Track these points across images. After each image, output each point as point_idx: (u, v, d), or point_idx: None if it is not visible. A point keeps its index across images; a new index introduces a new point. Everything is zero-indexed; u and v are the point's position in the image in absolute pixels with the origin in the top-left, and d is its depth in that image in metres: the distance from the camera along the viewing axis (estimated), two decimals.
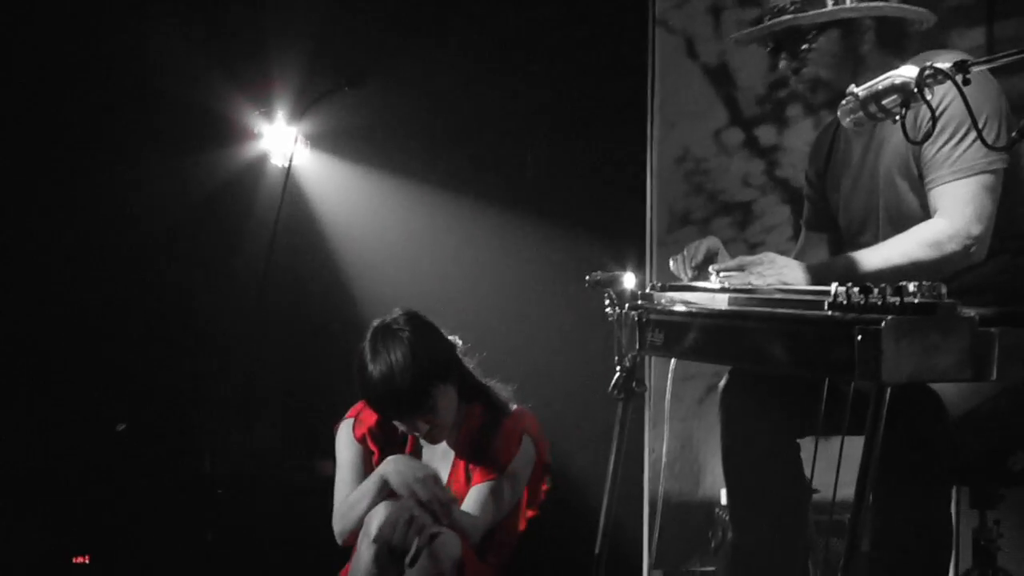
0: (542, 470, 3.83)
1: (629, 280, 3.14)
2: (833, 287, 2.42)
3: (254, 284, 5.31)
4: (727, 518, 4.30)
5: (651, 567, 4.72)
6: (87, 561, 5.10)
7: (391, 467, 3.60)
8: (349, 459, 3.78)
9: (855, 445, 2.41)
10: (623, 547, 4.87)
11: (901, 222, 3.13)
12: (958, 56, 2.68)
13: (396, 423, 3.71)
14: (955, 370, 2.32)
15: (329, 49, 5.47)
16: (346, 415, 3.85)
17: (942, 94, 2.87)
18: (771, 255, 3.05)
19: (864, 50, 3.16)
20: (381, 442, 3.79)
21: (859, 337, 2.29)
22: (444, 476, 3.74)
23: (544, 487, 3.86)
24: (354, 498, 3.65)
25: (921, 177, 3.10)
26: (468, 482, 3.72)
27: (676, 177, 4.84)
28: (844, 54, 3.16)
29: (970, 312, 2.33)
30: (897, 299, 2.29)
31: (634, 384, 3.21)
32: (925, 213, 3.10)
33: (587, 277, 3.21)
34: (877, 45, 3.17)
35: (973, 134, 2.96)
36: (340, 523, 3.68)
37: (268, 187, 5.56)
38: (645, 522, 4.83)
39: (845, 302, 2.38)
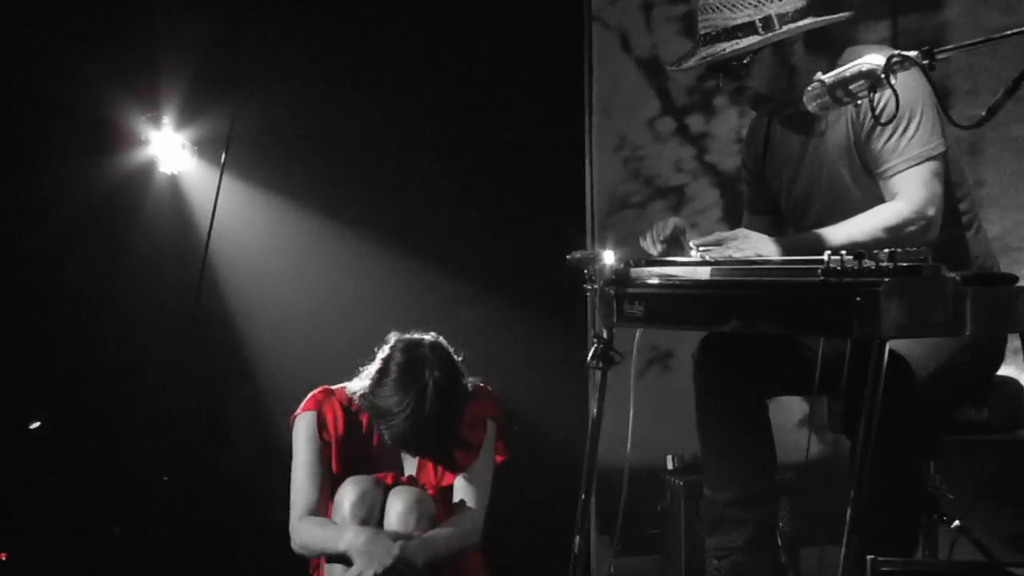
0: (503, 444, 3.91)
1: (608, 257, 3.31)
2: (825, 255, 2.63)
3: (145, 288, 5.35)
4: (676, 482, 4.52)
5: (598, 532, 4.92)
6: (4, 559, 5.08)
7: (360, 546, 3.52)
8: (308, 459, 3.71)
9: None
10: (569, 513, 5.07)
11: (841, 207, 3.37)
12: (880, 49, 2.93)
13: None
14: (940, 326, 2.58)
15: (218, 54, 5.45)
16: (303, 406, 3.77)
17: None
18: (745, 231, 3.26)
19: (795, 60, 3.39)
20: (345, 440, 3.76)
21: (858, 298, 2.50)
22: (413, 468, 3.79)
23: (499, 458, 3.90)
24: (317, 538, 3.60)
25: (864, 166, 3.34)
26: (436, 473, 3.77)
27: (615, 164, 5.05)
28: (778, 69, 3.38)
29: (951, 273, 2.57)
30: (890, 263, 2.51)
31: (611, 354, 3.40)
32: (865, 198, 3.33)
33: (567, 256, 3.39)
34: (806, 53, 3.40)
35: (916, 124, 3.24)
36: (300, 545, 3.66)
37: (155, 194, 5.54)
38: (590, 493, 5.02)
39: (839, 268, 2.60)
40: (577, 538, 3.42)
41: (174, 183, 5.54)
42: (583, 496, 3.44)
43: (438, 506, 3.66)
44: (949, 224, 3.34)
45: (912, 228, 3.20)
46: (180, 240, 5.52)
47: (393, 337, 3.72)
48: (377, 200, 5.38)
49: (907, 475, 3.08)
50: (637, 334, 3.48)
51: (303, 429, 3.72)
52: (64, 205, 5.31)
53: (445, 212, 5.27)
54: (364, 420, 3.77)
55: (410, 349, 3.64)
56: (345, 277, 5.39)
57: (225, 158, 5.30)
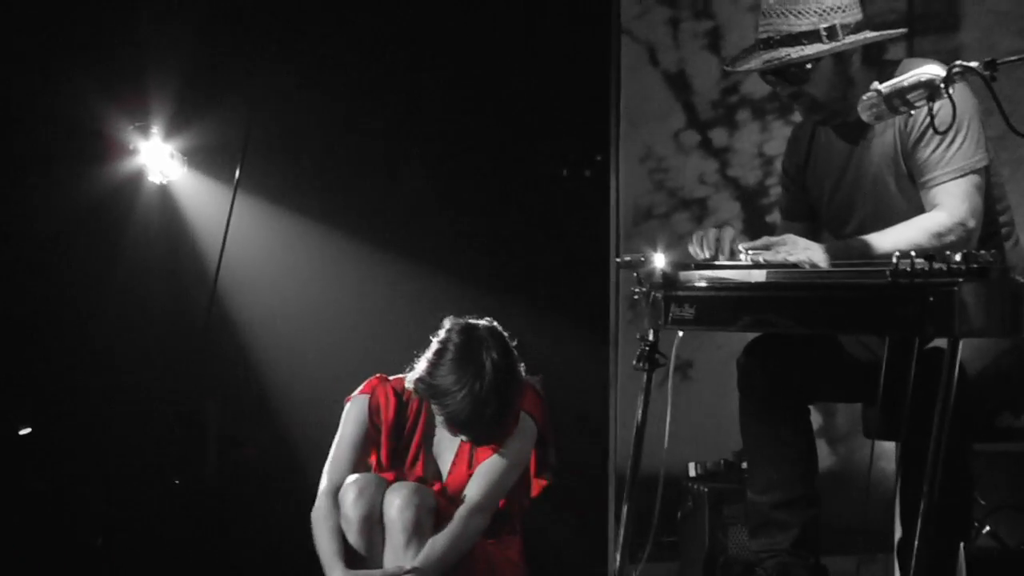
0: (547, 439, 3.85)
1: (659, 260, 3.32)
2: (894, 258, 2.66)
3: (132, 297, 5.31)
4: (701, 489, 4.53)
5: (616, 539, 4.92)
6: None
7: None
8: (351, 438, 3.72)
9: None
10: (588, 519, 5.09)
11: (885, 214, 3.40)
12: (936, 62, 2.95)
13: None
14: (1006, 326, 2.61)
15: (206, 62, 5.45)
16: (360, 390, 3.78)
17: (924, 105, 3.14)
18: (793, 236, 3.27)
19: (852, 71, 3.42)
20: (394, 428, 3.76)
21: (931, 298, 2.53)
22: (450, 458, 3.78)
23: (553, 455, 3.88)
24: (321, 542, 3.60)
25: (909, 175, 3.38)
26: (471, 464, 3.76)
27: (640, 175, 5.09)
28: (837, 78, 3.41)
29: (1018, 277, 2.61)
30: (963, 265, 2.54)
31: (656, 356, 3.41)
32: (908, 207, 3.37)
33: (617, 259, 3.40)
34: (862, 65, 3.43)
35: (961, 137, 3.28)
36: (312, 524, 3.66)
37: (144, 203, 5.52)
38: (611, 498, 5.04)
39: (909, 269, 2.62)
40: (621, 541, 3.41)
41: (163, 192, 5.51)
42: (626, 503, 3.42)
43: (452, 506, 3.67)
44: (988, 236, 3.38)
45: (952, 238, 3.23)
46: (171, 248, 5.51)
47: (449, 321, 3.72)
48: (395, 211, 5.39)
49: (957, 474, 3.09)
50: (676, 340, 3.48)
51: (355, 410, 3.74)
52: (53, 214, 5.27)
53: (470, 222, 5.27)
54: (412, 412, 3.77)
55: (467, 331, 3.65)
56: (355, 285, 5.39)
57: (240, 172, 5.26)
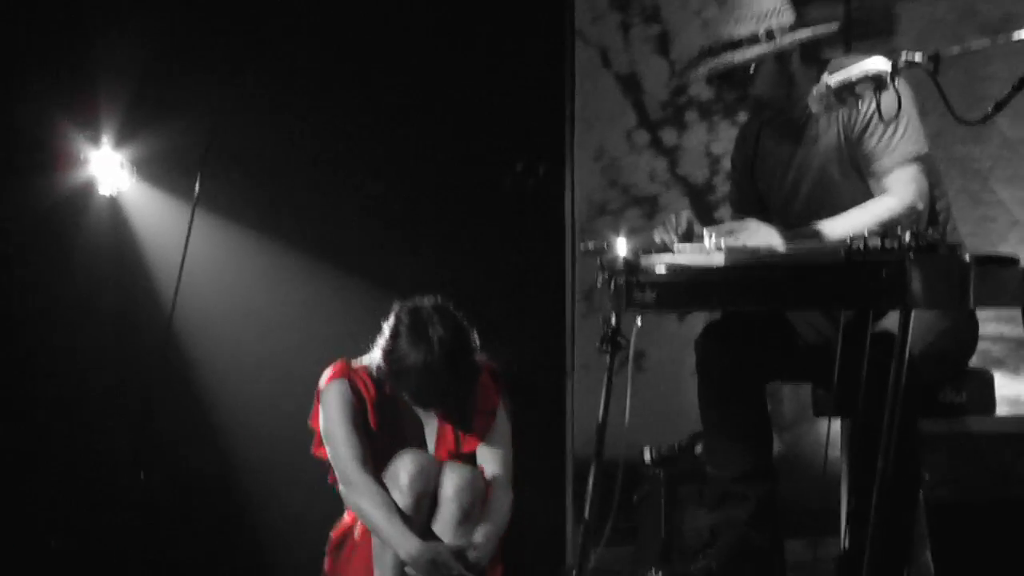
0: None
1: (621, 246, 3.45)
2: (847, 238, 2.83)
3: (81, 307, 5.20)
4: (657, 472, 4.67)
5: (575, 523, 5.05)
6: None
7: (408, 554, 3.60)
8: (345, 419, 3.74)
9: None
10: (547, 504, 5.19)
11: (829, 201, 3.57)
12: (879, 56, 3.11)
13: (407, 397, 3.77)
14: (953, 299, 2.79)
15: (158, 69, 5.34)
16: (330, 376, 3.81)
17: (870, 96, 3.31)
18: (755, 221, 3.43)
19: (793, 69, 3.61)
20: (377, 403, 3.82)
21: (884, 273, 2.69)
22: (432, 437, 3.87)
23: None
24: (375, 517, 3.63)
25: (854, 165, 3.54)
26: (457, 441, 3.85)
27: (594, 172, 5.24)
28: (779, 77, 3.59)
29: (963, 252, 2.78)
30: (913, 242, 2.70)
31: (619, 339, 3.54)
32: (854, 194, 3.54)
33: (580, 246, 3.53)
34: (801, 62, 3.62)
35: (903, 126, 3.46)
36: (354, 505, 3.71)
37: (94, 215, 5.38)
38: (568, 484, 5.16)
39: (862, 248, 2.78)
40: (584, 526, 3.50)
41: (113, 204, 5.38)
42: (591, 484, 3.52)
43: None
44: (928, 220, 3.55)
45: (903, 222, 3.38)
46: (120, 260, 5.40)
47: (397, 304, 3.82)
48: (346, 214, 5.34)
49: (907, 446, 3.24)
50: (635, 328, 3.60)
51: (336, 394, 3.76)
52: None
53: (428, 221, 5.30)
54: (388, 386, 3.84)
55: (413, 310, 3.75)
56: (307, 292, 5.35)
57: (199, 190, 5.14)
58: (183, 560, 5.05)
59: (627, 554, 4.82)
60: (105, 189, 5.35)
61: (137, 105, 5.32)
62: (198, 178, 5.12)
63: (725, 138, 5.09)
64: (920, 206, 3.43)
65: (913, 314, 3.08)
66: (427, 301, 3.78)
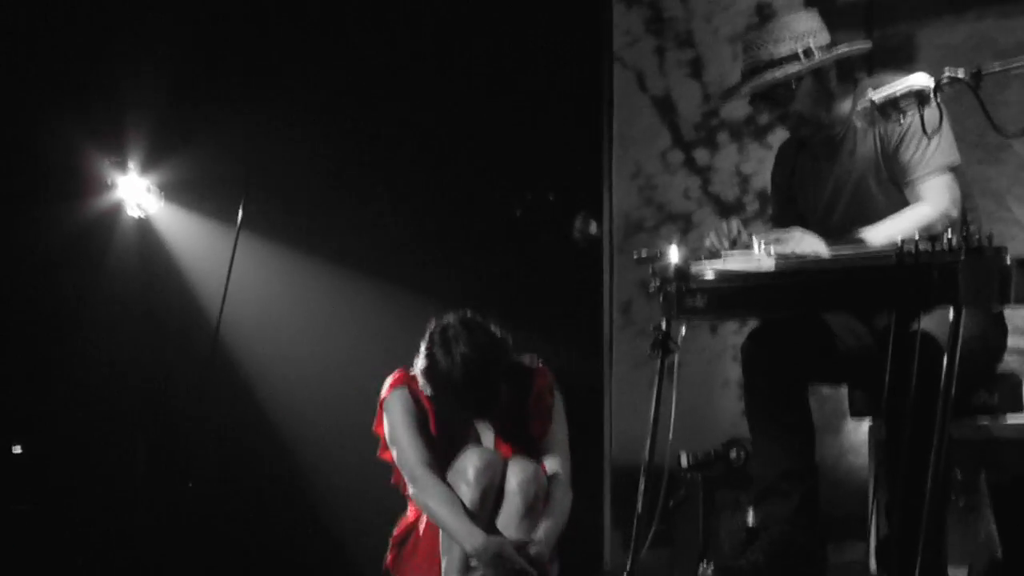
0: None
1: (673, 253, 3.56)
2: (898, 240, 2.94)
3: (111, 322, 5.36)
4: (696, 476, 4.76)
5: (612, 526, 5.15)
6: None
7: (473, 547, 3.66)
8: (409, 423, 3.82)
9: None
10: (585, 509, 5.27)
11: (866, 214, 3.68)
12: (921, 73, 3.22)
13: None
14: (997, 296, 2.90)
15: (183, 97, 5.49)
16: (390, 386, 3.89)
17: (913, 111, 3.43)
18: (798, 229, 3.54)
19: (831, 87, 3.73)
20: (436, 409, 3.88)
21: (935, 273, 2.81)
22: (490, 443, 3.93)
23: None
24: (443, 515, 3.70)
25: (890, 176, 3.66)
26: (513, 445, 3.91)
27: (631, 191, 5.38)
28: (819, 94, 3.72)
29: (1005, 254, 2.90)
30: (962, 244, 2.82)
31: (669, 343, 3.64)
32: (888, 204, 3.65)
33: (634, 254, 3.64)
34: (839, 79, 3.74)
35: (938, 138, 3.56)
36: (422, 502, 3.77)
37: (122, 237, 5.55)
38: (607, 488, 5.26)
39: (913, 251, 2.90)
40: (635, 528, 3.58)
41: (142, 226, 5.54)
42: (641, 488, 3.61)
43: None
44: (961, 228, 3.66)
45: (939, 228, 3.48)
46: (149, 279, 5.58)
47: (431, 322, 3.90)
48: (394, 237, 5.50)
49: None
50: (682, 332, 3.69)
51: (399, 402, 3.86)
52: (33, 249, 5.32)
53: (473, 241, 5.43)
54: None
55: (442, 329, 3.82)
56: (343, 313, 5.51)
57: (242, 210, 5.27)
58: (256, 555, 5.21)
59: (664, 556, 4.91)
60: (133, 211, 5.52)
61: (162, 133, 5.48)
62: (242, 201, 5.25)
63: (754, 159, 5.23)
64: (954, 213, 3.55)
65: (941, 318, 3.25)
66: (453, 318, 3.85)
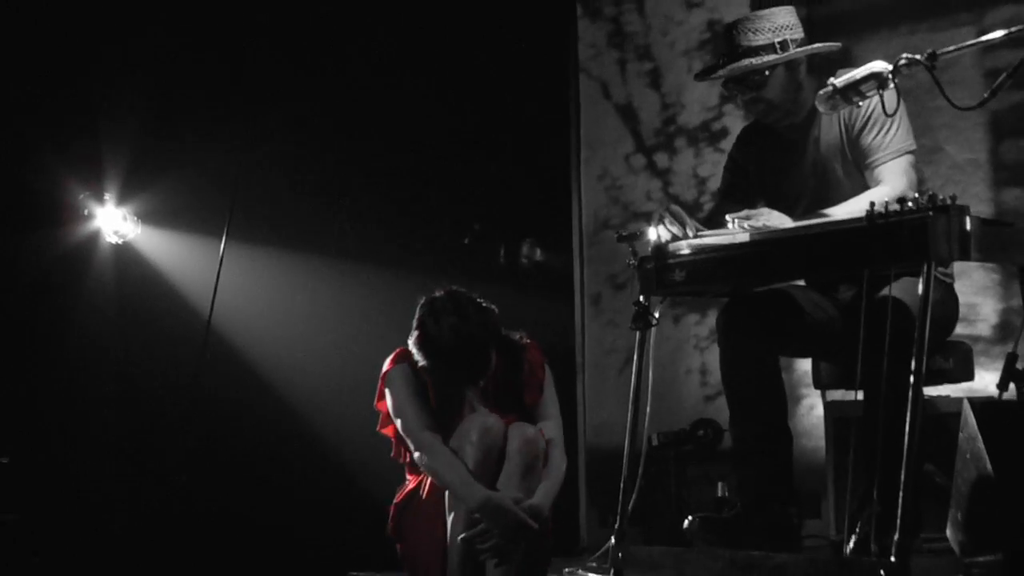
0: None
1: (652, 233, 3.70)
2: (867, 204, 3.10)
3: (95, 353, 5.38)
4: (669, 454, 4.87)
5: (588, 506, 5.26)
6: None
7: (477, 502, 3.70)
8: (411, 393, 3.87)
9: None
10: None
11: (831, 195, 3.82)
12: (878, 60, 3.39)
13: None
14: (960, 252, 3.04)
15: (159, 126, 5.51)
16: (391, 362, 3.93)
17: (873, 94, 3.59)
18: (768, 209, 3.69)
19: (801, 78, 3.90)
20: (432, 383, 3.91)
21: (907, 232, 2.96)
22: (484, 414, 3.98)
23: None
24: (447, 475, 3.73)
25: (854, 161, 3.83)
26: (507, 413, 3.92)
27: (598, 191, 5.53)
28: (789, 83, 3.88)
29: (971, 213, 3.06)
30: (929, 204, 2.98)
31: (649, 317, 3.77)
32: (851, 187, 3.80)
33: (615, 234, 3.77)
34: (808, 71, 3.92)
35: (896, 125, 3.74)
36: (426, 464, 3.81)
37: (100, 263, 5.55)
38: (581, 469, 5.37)
39: (884, 211, 3.05)
40: (620, 506, 3.74)
41: (120, 250, 5.53)
42: (625, 465, 3.75)
43: None
44: None
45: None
46: (135, 292, 5.59)
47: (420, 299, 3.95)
48: (373, 233, 5.57)
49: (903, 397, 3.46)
50: (659, 305, 3.80)
51: (400, 376, 3.91)
52: (12, 275, 5.27)
53: (450, 235, 5.54)
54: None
55: (430, 302, 3.87)
56: (328, 304, 5.57)
57: (228, 228, 5.32)
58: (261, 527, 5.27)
59: (639, 531, 5.00)
60: (111, 238, 5.52)
61: (138, 164, 5.49)
62: (229, 212, 5.31)
63: (710, 162, 5.40)
64: (910, 195, 3.66)
65: (906, 286, 3.41)
66: (441, 292, 3.91)
